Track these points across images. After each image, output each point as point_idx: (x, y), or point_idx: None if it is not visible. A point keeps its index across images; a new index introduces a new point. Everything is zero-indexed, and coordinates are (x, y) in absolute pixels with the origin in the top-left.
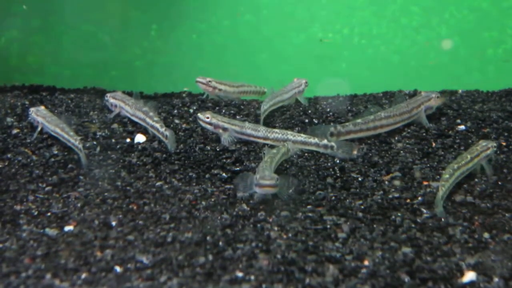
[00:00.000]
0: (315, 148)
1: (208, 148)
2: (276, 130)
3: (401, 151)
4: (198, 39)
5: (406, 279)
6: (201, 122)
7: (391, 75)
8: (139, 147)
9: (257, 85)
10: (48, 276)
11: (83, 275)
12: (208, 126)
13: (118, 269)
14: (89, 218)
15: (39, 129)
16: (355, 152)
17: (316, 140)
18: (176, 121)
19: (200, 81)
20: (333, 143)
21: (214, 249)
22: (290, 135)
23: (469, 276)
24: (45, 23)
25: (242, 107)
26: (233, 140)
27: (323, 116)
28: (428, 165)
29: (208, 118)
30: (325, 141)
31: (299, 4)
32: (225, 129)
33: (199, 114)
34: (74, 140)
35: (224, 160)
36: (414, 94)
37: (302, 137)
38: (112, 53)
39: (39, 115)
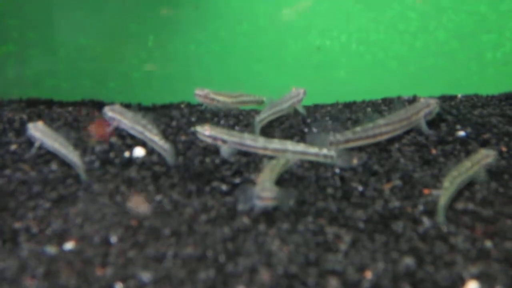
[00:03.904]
0: (314, 158)
1: (208, 160)
2: (275, 140)
3: (401, 159)
4: (196, 49)
5: None
6: (200, 136)
7: (389, 81)
8: (138, 160)
9: (256, 94)
10: None
11: None
12: (208, 139)
13: (119, 287)
14: (89, 235)
15: (37, 145)
16: (355, 161)
17: (315, 149)
18: (175, 133)
19: (199, 93)
20: (332, 153)
21: (215, 264)
22: (289, 145)
23: (472, 286)
24: (41, 36)
25: (241, 117)
26: (233, 152)
27: (322, 125)
28: (429, 172)
29: (207, 131)
30: (324, 151)
31: (296, 12)
32: (224, 141)
33: (197, 128)
34: (73, 156)
35: (224, 172)
36: (413, 99)
37: (301, 146)
38: (109, 64)
39: (38, 130)
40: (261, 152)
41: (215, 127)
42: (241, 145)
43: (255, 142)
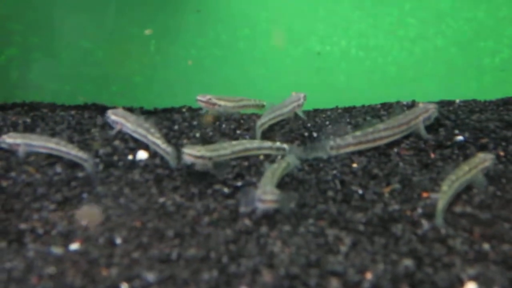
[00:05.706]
0: (269, 152)
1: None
2: (233, 142)
3: (400, 163)
4: (197, 54)
5: None
6: (189, 158)
7: (389, 86)
8: (141, 163)
9: (257, 98)
10: None
11: None
12: (199, 160)
13: (124, 287)
14: (94, 236)
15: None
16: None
17: (269, 144)
18: (177, 136)
19: (201, 99)
20: (285, 145)
21: (218, 265)
22: (247, 143)
23: (470, 287)
24: (44, 40)
25: (242, 121)
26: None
27: (322, 129)
28: (428, 176)
29: (199, 152)
30: (278, 144)
31: (296, 17)
32: (210, 158)
33: (185, 150)
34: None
35: (226, 176)
36: (412, 105)
37: (256, 143)
38: (111, 68)
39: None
40: (233, 156)
41: (193, 145)
42: (220, 156)
43: (225, 150)
